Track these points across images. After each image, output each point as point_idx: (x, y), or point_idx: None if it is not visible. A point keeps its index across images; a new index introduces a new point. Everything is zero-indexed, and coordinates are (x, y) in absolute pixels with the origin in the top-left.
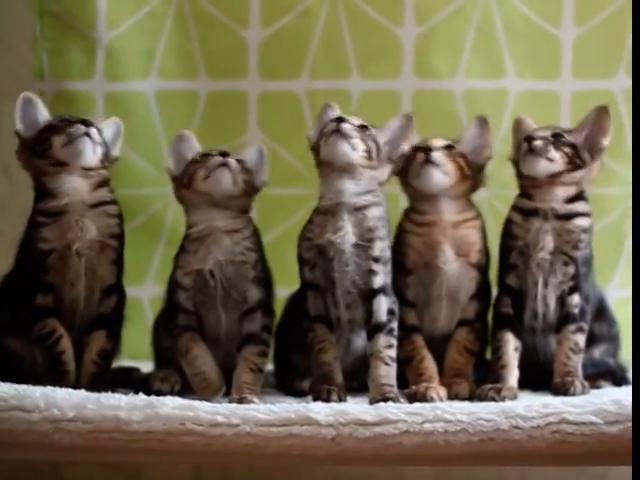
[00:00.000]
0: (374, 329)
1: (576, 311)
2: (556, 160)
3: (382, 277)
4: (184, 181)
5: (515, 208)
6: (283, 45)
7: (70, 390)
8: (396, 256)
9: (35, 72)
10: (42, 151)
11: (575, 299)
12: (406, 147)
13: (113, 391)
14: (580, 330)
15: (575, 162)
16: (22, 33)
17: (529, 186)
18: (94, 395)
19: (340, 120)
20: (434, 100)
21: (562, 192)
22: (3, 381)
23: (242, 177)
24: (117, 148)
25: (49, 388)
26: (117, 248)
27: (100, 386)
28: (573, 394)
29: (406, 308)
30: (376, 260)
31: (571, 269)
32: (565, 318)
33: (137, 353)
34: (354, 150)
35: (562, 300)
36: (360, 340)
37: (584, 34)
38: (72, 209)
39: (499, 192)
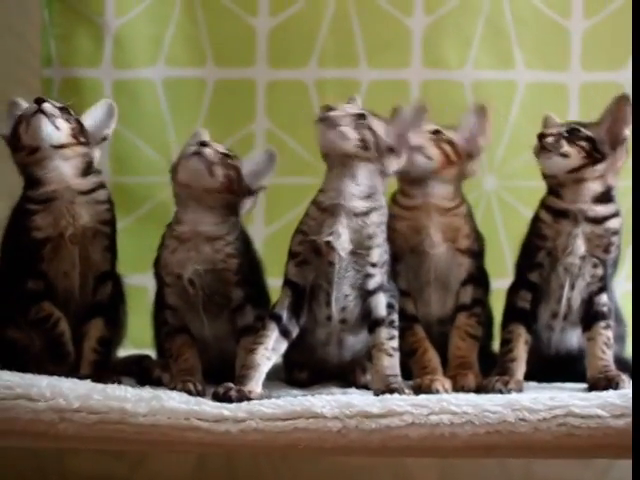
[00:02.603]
0: (374, 324)
1: (605, 309)
2: (571, 155)
3: (379, 278)
4: (172, 175)
5: (544, 206)
6: (292, 33)
7: (76, 380)
8: None
9: (43, 59)
10: (16, 145)
11: (603, 298)
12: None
13: (119, 382)
14: (609, 327)
15: (594, 156)
16: (30, 20)
17: (554, 184)
18: (100, 386)
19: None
20: (443, 90)
21: (589, 190)
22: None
23: (222, 171)
24: (109, 128)
25: (55, 377)
26: (109, 234)
27: (102, 373)
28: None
29: (402, 298)
30: (373, 265)
31: (600, 271)
32: (595, 316)
33: (142, 341)
34: (345, 139)
35: (587, 300)
36: (353, 338)
37: (593, 26)
38: (61, 195)
39: (507, 183)
